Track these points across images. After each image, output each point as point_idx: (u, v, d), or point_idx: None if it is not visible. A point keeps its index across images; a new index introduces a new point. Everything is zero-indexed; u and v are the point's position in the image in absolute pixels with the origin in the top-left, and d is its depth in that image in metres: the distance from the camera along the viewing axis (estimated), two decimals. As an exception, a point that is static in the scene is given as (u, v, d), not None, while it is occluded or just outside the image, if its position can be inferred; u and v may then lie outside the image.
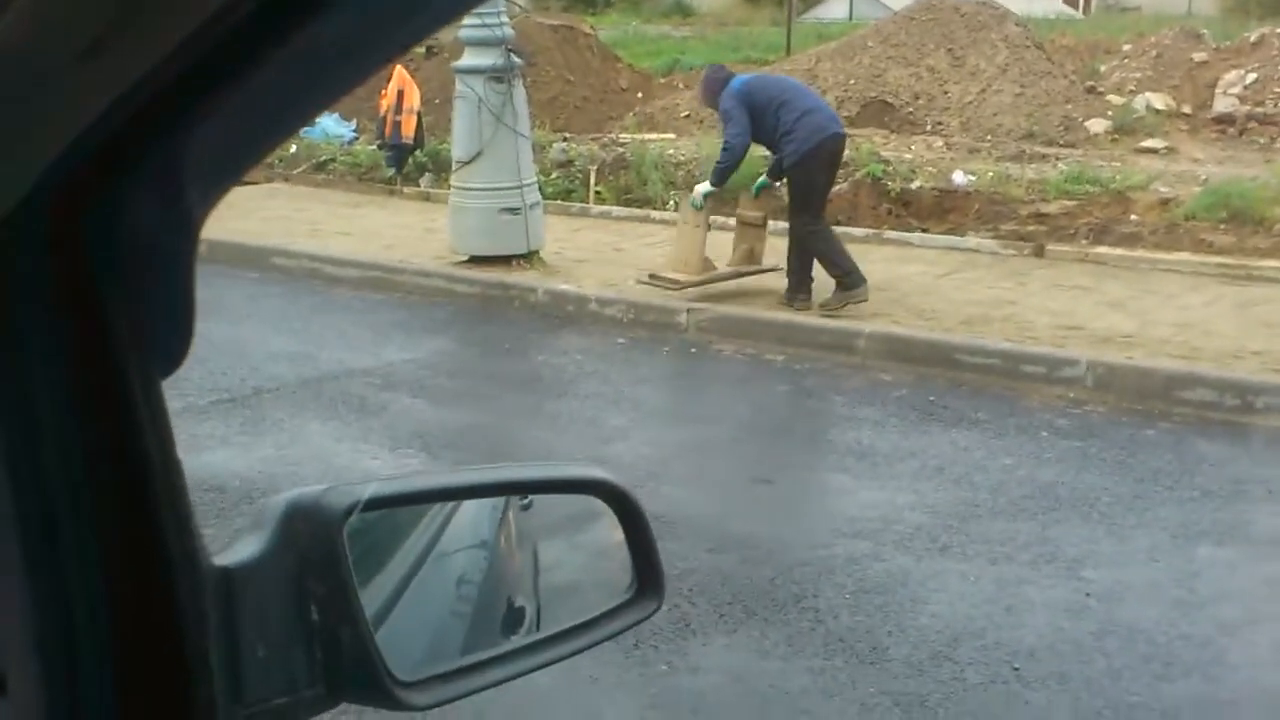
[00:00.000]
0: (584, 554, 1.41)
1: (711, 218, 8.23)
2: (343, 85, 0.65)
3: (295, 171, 13.48)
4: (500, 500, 1.44)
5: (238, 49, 0.53)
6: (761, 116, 7.70)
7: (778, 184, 8.18)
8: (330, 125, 14.78)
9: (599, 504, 1.34)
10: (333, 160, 13.56)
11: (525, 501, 1.42)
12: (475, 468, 1.28)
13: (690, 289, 8.08)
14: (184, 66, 0.54)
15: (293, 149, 13.93)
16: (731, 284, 8.33)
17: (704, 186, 8.05)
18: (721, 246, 8.43)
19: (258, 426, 6.05)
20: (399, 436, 5.96)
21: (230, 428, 6.02)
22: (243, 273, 9.36)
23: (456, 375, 7.16)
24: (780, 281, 8.11)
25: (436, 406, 6.53)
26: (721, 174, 7.93)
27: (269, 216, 11.16)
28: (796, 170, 7.74)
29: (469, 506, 1.40)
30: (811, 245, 7.84)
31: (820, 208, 7.89)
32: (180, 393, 6.32)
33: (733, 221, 8.60)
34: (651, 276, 8.26)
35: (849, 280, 7.76)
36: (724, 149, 7.86)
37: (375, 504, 1.15)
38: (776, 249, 8.24)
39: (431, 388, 6.81)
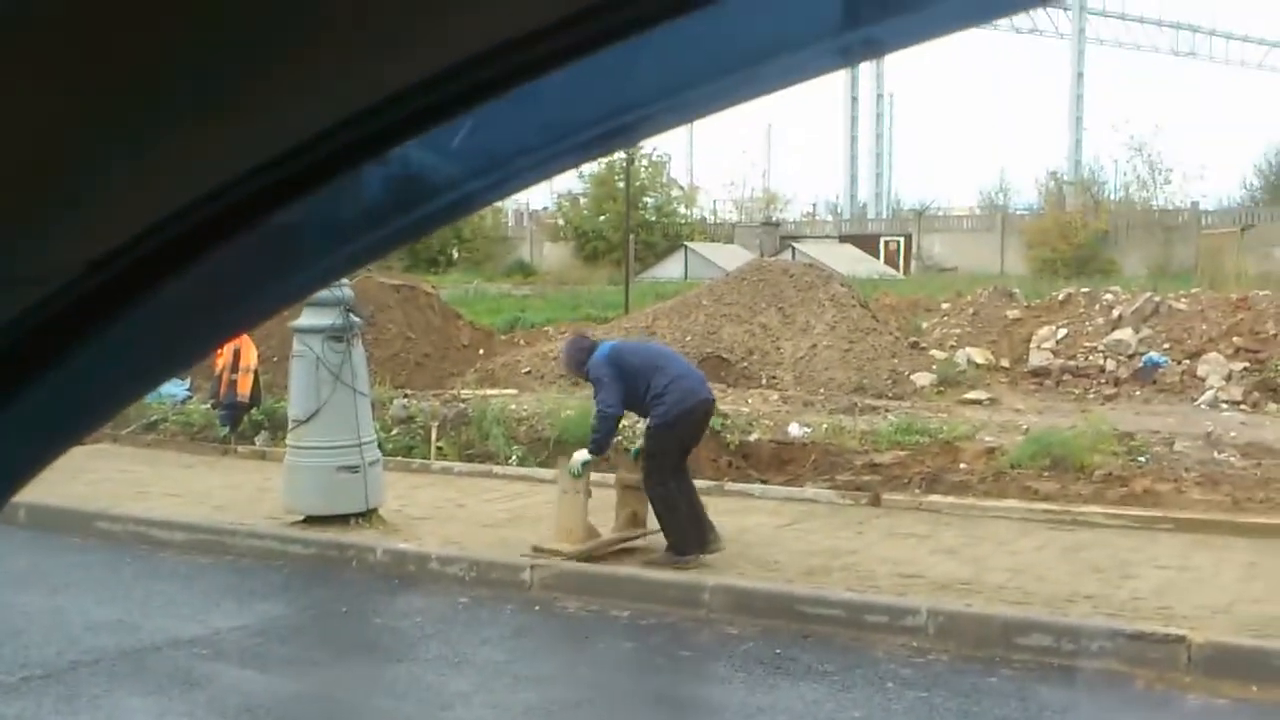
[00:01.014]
0: None
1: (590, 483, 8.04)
2: (197, 347, 0.64)
3: (124, 431, 13.08)
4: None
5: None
6: (633, 380, 7.76)
7: None
8: (164, 384, 14.52)
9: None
10: (164, 420, 13.23)
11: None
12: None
13: (575, 559, 7.86)
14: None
15: (123, 408, 13.58)
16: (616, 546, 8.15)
17: (582, 454, 7.92)
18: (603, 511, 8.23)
19: (72, 704, 5.63)
20: (226, 711, 5.62)
21: (43, 707, 5.59)
22: (64, 538, 8.93)
23: (289, 642, 6.84)
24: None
25: (267, 676, 6.20)
26: (599, 443, 7.89)
27: (94, 479, 10.74)
28: (659, 431, 7.78)
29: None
30: (654, 504, 7.87)
31: (669, 470, 7.85)
32: (-15, 670, 5.90)
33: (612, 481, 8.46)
34: (535, 549, 8.02)
35: (679, 547, 7.78)
36: (599, 416, 7.85)
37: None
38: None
39: (262, 656, 6.48)
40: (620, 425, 8.23)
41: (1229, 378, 15.32)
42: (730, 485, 10.39)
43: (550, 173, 0.58)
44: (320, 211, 0.56)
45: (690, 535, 7.81)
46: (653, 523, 8.07)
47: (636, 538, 8.15)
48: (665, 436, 7.80)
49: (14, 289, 0.54)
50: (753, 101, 0.56)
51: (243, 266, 0.58)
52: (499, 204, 57.06)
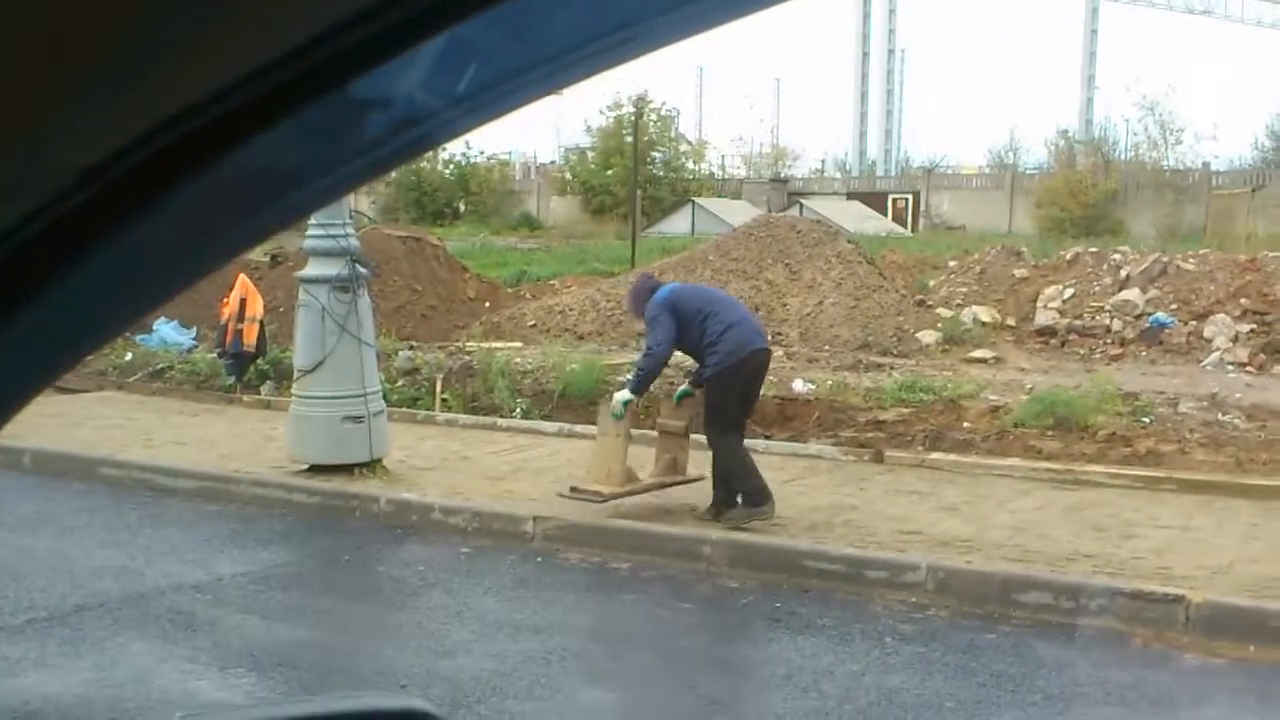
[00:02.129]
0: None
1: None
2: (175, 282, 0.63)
3: (130, 379, 13.13)
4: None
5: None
6: (688, 325, 7.62)
7: (698, 392, 7.97)
8: (169, 333, 14.54)
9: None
10: (170, 368, 13.26)
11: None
12: (284, 701, 1.20)
13: (614, 500, 7.76)
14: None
15: (128, 356, 13.61)
16: (652, 496, 8.08)
17: (623, 394, 7.79)
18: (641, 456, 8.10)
19: (77, 647, 5.68)
20: (228, 656, 5.66)
21: (47, 649, 5.64)
22: (68, 484, 8.98)
23: (292, 589, 6.88)
24: (701, 492, 7.94)
25: (269, 622, 6.24)
26: (641, 381, 7.78)
27: (100, 425, 10.80)
28: (714, 381, 7.65)
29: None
30: (717, 455, 7.72)
31: (732, 421, 7.70)
32: (-10, 612, 5.95)
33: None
34: (573, 490, 7.84)
35: (754, 497, 7.62)
36: (646, 355, 7.76)
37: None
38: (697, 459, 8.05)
39: (265, 603, 6.53)
40: (664, 369, 8.05)
41: (1235, 339, 15.28)
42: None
43: (533, 95, 0.57)
44: (310, 127, 0.55)
45: (761, 484, 7.64)
46: (692, 470, 8.00)
47: (675, 484, 8.04)
48: (719, 387, 7.64)
49: (3, 199, 0.54)
50: (750, 14, 0.55)
51: (236, 185, 0.57)
52: (506, 157, 56.92)
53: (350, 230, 9.20)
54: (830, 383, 11.45)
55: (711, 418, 7.73)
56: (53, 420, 10.99)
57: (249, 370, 12.57)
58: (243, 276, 13.13)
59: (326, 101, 0.54)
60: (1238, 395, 11.73)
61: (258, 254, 20.50)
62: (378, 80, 0.53)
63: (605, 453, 7.87)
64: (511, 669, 5.56)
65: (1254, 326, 15.44)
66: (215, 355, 13.01)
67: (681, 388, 8.25)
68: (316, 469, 8.90)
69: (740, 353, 7.60)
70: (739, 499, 7.70)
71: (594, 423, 11.03)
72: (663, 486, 8.03)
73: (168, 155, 0.53)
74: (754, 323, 8.19)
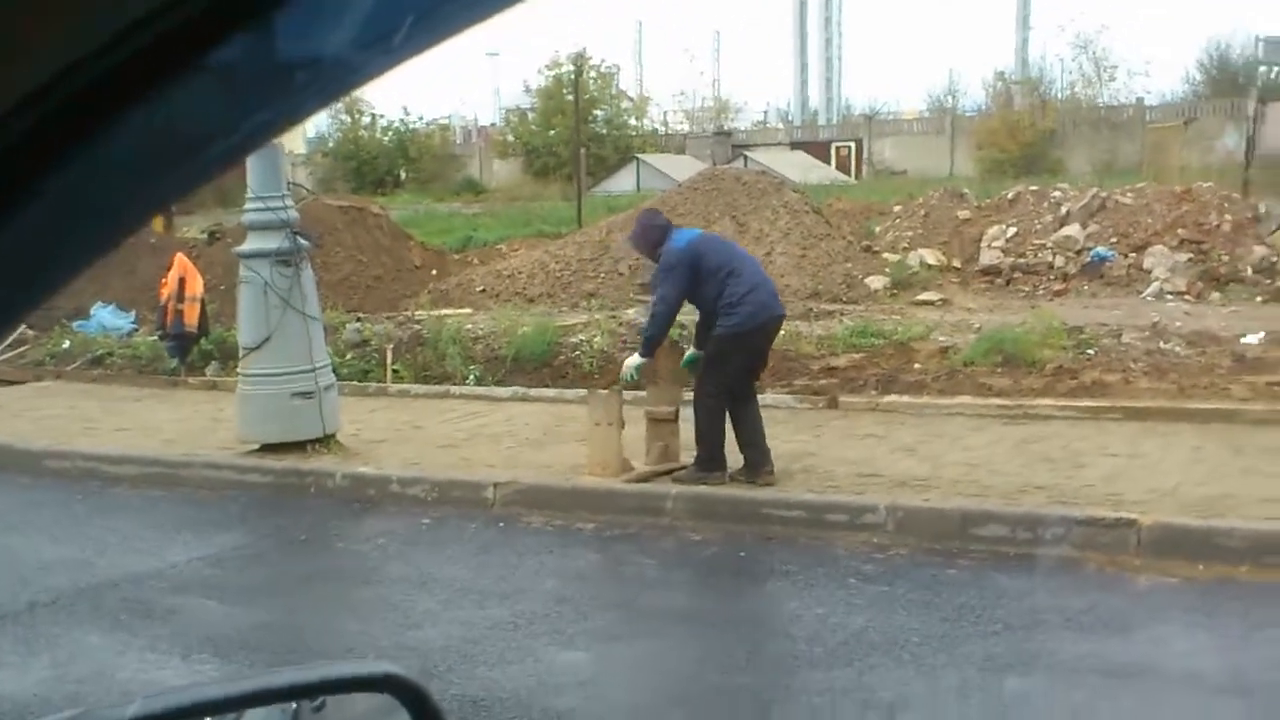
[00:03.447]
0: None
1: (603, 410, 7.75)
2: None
3: (69, 368, 12.90)
4: (290, 707, 1.33)
5: None
6: (709, 280, 7.35)
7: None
8: (107, 317, 14.30)
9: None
10: (110, 354, 13.02)
11: (317, 703, 1.33)
12: (256, 673, 1.18)
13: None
14: None
15: (65, 344, 13.37)
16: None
17: (633, 360, 7.63)
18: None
19: (32, 645, 5.58)
20: (190, 643, 5.60)
21: (1, 648, 5.56)
22: (11, 478, 8.84)
23: (251, 571, 6.82)
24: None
25: (230, 606, 6.19)
26: (651, 341, 7.54)
27: (39, 416, 10.62)
28: (726, 339, 7.39)
29: (255, 717, 1.30)
30: (698, 411, 7.53)
31: (726, 385, 7.48)
32: (-56, 611, 5.85)
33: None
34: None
35: (708, 464, 7.53)
36: (653, 314, 7.50)
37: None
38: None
39: (224, 586, 6.46)
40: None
41: (1174, 269, 15.50)
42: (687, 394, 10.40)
43: (441, 34, 0.54)
44: (203, 84, 0.52)
45: (721, 456, 7.53)
46: (685, 457, 7.78)
47: (670, 471, 7.82)
48: (730, 346, 7.40)
49: None
50: None
51: (131, 154, 0.54)
52: (445, 122, 56.32)
53: (289, 202, 9.06)
54: (782, 331, 11.47)
55: (707, 373, 7.54)
56: (-6, 413, 10.82)
57: (192, 351, 12.39)
58: (180, 255, 12.94)
59: (217, 55, 0.51)
60: (1178, 324, 11.92)
61: (195, 232, 20.23)
62: (269, 29, 0.51)
63: (599, 444, 7.79)
64: (480, 636, 5.55)
65: (1191, 256, 15.67)
66: (157, 338, 12.80)
67: (690, 352, 7.90)
68: (268, 448, 8.80)
69: (760, 316, 7.40)
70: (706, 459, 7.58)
71: (548, 386, 11.07)
72: (658, 474, 7.80)
73: (49, 127, 0.50)
74: (772, 285, 7.83)
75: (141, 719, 0.92)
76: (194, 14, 0.49)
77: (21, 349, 13.33)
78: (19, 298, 0.61)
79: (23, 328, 13.15)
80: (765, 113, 65.12)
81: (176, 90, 0.52)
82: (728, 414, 7.54)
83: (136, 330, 14.12)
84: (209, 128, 0.56)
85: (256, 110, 0.56)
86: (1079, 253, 16.46)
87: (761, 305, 7.44)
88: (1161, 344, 10.82)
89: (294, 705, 1.30)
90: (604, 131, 49.11)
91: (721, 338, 7.43)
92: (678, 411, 7.93)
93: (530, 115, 51.13)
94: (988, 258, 16.92)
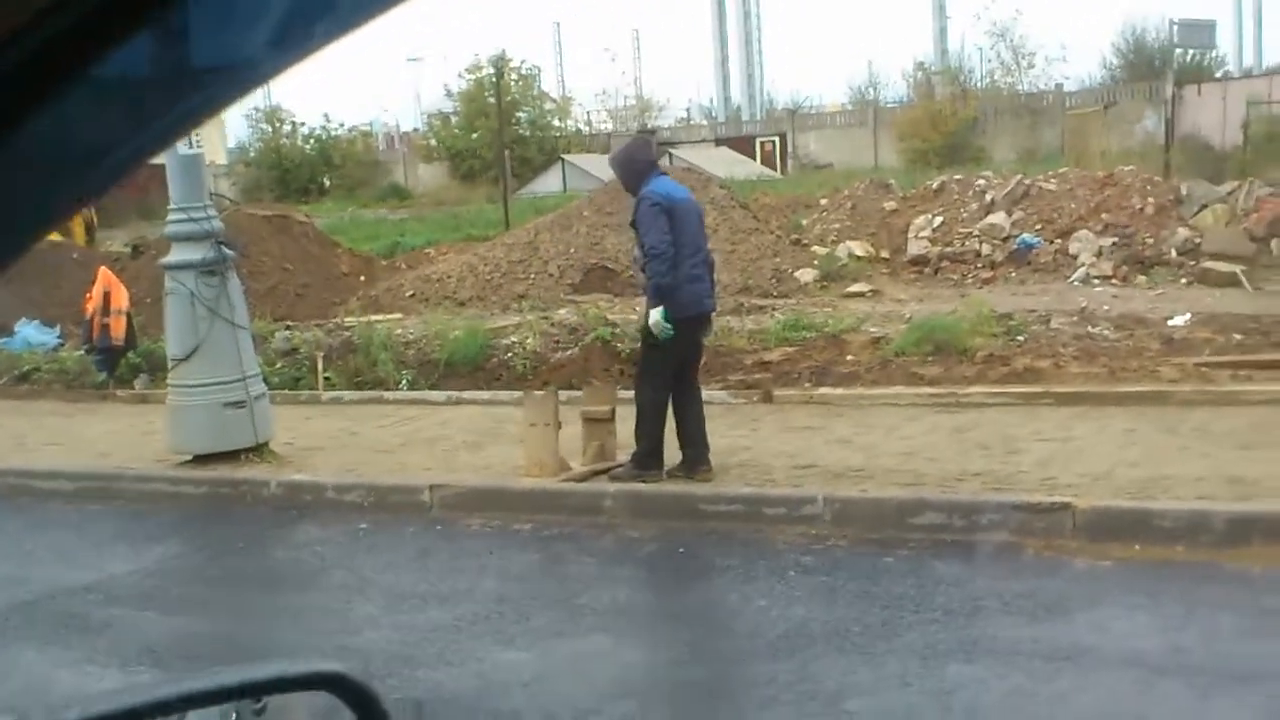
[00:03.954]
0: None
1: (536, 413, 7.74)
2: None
3: (-5, 384, 12.63)
4: (229, 708, 1.31)
5: None
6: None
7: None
8: (31, 334, 14.03)
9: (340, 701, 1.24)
10: (37, 370, 12.77)
11: (259, 705, 1.31)
12: (196, 674, 1.16)
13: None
14: None
15: (-11, 362, 13.10)
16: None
17: (657, 314, 7.24)
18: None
19: (-37, 664, 5.48)
20: (127, 655, 5.51)
21: (-68, 668, 5.43)
22: (-60, 498, 8.63)
23: (187, 581, 6.72)
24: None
25: (167, 617, 6.09)
26: (664, 290, 7.21)
27: (-33, 435, 10.38)
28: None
29: (194, 718, 1.27)
30: (641, 402, 7.48)
31: (668, 372, 7.43)
32: None
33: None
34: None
35: (646, 460, 7.50)
36: (654, 259, 7.16)
37: (82, 730, 1.02)
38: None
39: (160, 597, 6.36)
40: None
41: (1099, 254, 15.78)
42: (624, 393, 10.40)
43: (337, 30, 0.53)
44: (105, 82, 0.51)
45: (660, 451, 7.49)
46: (621, 456, 7.75)
47: (607, 470, 7.78)
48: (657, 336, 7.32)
49: None
50: None
51: (95, 111, 0.53)
52: (367, 128, 55.81)
53: (212, 212, 8.94)
54: (715, 328, 11.51)
55: (648, 365, 7.52)
56: (-84, 433, 10.56)
57: (120, 365, 12.18)
58: (104, 269, 12.74)
59: (117, 58, 0.50)
60: (1105, 307, 12.14)
61: (119, 245, 19.89)
62: (175, 33, 0.50)
63: (535, 444, 7.78)
64: (420, 639, 5.51)
65: (1116, 240, 15.95)
66: (83, 352, 12.58)
67: (661, 319, 7.29)
68: (201, 459, 8.67)
69: (691, 309, 7.35)
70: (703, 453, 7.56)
71: (481, 388, 11.01)
72: (595, 474, 7.77)
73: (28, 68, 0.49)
74: (709, 284, 7.62)
75: (81, 723, 0.90)
76: (87, 17, 0.48)
77: (-58, 367, 13.02)
78: None
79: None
80: (688, 110, 65.30)
81: (73, 97, 0.50)
82: (670, 408, 7.54)
83: (62, 345, 13.85)
84: (110, 134, 0.55)
85: (161, 113, 0.55)
86: (1005, 240, 16.70)
87: (695, 299, 7.41)
88: (1090, 328, 11.01)
89: (234, 707, 1.28)
90: (528, 133, 48.94)
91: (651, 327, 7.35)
92: (613, 410, 7.93)
93: (453, 119, 50.83)
94: (915, 248, 17.11)
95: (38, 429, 10.58)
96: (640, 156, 7.73)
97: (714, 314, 7.91)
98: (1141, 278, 14.98)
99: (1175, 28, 36.34)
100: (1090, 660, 4.89)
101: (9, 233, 0.58)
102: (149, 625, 5.95)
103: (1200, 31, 35.74)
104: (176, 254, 8.72)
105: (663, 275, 7.20)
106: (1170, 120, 29.13)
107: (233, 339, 8.66)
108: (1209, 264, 15.01)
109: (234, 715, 1.29)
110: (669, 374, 7.49)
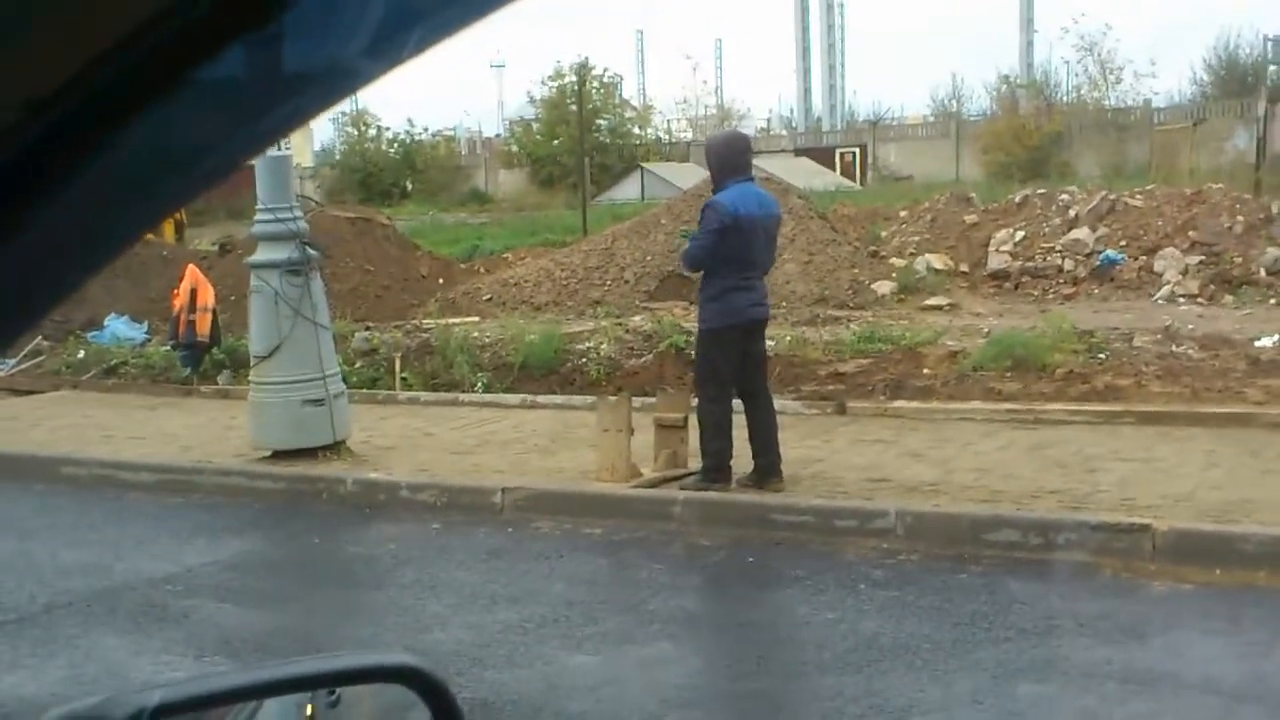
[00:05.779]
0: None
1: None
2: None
3: (84, 377, 12.96)
4: (305, 696, 1.34)
5: None
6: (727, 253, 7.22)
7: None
8: (121, 328, 14.38)
9: (412, 694, 1.26)
10: (124, 364, 13.10)
11: (333, 696, 1.33)
12: (275, 663, 1.19)
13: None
14: None
15: (80, 354, 13.44)
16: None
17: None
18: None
19: (49, 646, 5.63)
20: (204, 645, 5.63)
21: (19, 650, 5.58)
22: (28, 485, 8.87)
23: (264, 575, 6.85)
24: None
25: (243, 610, 6.21)
26: (695, 256, 7.43)
27: (56, 425, 10.67)
28: (704, 341, 7.53)
29: (272, 706, 1.30)
30: (702, 420, 7.51)
31: (721, 383, 7.44)
32: (-42, 618, 5.88)
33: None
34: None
35: (713, 475, 7.51)
36: (686, 260, 7.72)
37: (165, 711, 1.04)
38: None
39: (237, 590, 6.49)
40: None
41: (1185, 272, 15.46)
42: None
43: (437, 35, 0.55)
44: (204, 89, 0.52)
45: (727, 467, 7.49)
46: (693, 463, 7.78)
47: (679, 477, 7.80)
48: (709, 344, 7.48)
49: None
50: None
51: (194, 117, 0.55)
52: (451, 133, 56.36)
53: (298, 213, 9.10)
54: (789, 338, 11.47)
55: (703, 378, 7.63)
56: (8, 423, 10.87)
57: (204, 360, 12.44)
58: (192, 267, 13.00)
59: (216, 67, 0.51)
60: (1190, 326, 11.88)
61: (207, 244, 20.29)
62: (272, 41, 0.51)
63: (607, 449, 7.81)
64: (489, 639, 5.56)
65: (1203, 258, 15.62)
66: (169, 348, 12.86)
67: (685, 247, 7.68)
68: (280, 455, 8.83)
69: (731, 318, 7.34)
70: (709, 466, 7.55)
71: (555, 393, 11.08)
72: (666, 480, 7.79)
73: (51, 140, 0.51)
74: (761, 292, 7.61)
75: (166, 705, 0.93)
76: (191, 24, 0.50)
77: (37, 359, 13.40)
78: (25, 308, 0.61)
79: (38, 338, 13.23)
80: (769, 119, 65.12)
81: (175, 102, 0.52)
82: (739, 415, 7.53)
83: (149, 340, 14.18)
84: (206, 139, 0.57)
85: (257, 119, 0.57)
86: (1088, 256, 16.42)
87: (742, 307, 7.35)
88: (1174, 347, 10.79)
89: (309, 696, 1.31)
90: (608, 141, 49.10)
91: (701, 334, 7.58)
92: (686, 418, 7.94)
93: (535, 126, 51.18)
94: (996, 262, 16.89)
95: (123, 421, 10.83)
96: (734, 150, 7.68)
97: (766, 321, 7.81)
98: (1228, 297, 14.65)
99: (1269, 44, 35.54)
100: (1167, 685, 4.80)
101: (110, 235, 0.60)
102: (225, 618, 6.07)
103: (1294, 48, 34.94)
104: (262, 253, 8.90)
105: (688, 265, 7.71)
106: (1262, 138, 28.49)
107: (314, 338, 8.81)
108: (1299, 284, 14.63)
109: (309, 704, 1.32)
110: (723, 384, 7.46)
